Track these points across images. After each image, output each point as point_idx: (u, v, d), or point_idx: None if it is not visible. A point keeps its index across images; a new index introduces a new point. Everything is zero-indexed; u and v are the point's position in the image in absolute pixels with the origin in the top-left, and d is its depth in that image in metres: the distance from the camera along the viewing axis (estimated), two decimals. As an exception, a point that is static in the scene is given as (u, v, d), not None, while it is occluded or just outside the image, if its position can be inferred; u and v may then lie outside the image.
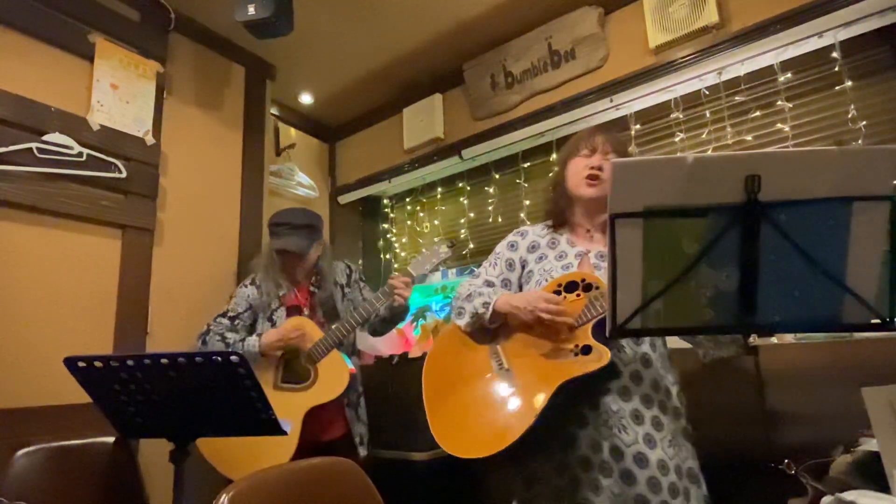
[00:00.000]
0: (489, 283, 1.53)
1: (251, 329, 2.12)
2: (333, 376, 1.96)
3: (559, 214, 1.55)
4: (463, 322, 1.46)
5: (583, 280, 1.36)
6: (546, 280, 1.44)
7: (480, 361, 1.43)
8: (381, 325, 2.18)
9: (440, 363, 1.52)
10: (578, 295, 1.35)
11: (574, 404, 1.32)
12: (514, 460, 1.39)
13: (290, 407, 1.92)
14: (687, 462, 1.29)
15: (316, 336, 2.00)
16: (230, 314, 2.10)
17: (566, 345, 1.32)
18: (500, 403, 1.33)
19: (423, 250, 2.08)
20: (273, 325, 2.10)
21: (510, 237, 1.60)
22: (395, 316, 2.13)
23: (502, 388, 1.36)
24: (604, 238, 1.47)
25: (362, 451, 2.05)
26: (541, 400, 1.26)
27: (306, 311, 2.14)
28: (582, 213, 1.52)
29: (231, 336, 2.03)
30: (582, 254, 1.46)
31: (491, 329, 1.46)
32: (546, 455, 1.33)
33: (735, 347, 1.31)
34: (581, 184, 1.46)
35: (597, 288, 1.33)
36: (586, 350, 1.28)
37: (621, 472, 1.25)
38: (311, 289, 2.18)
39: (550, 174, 1.66)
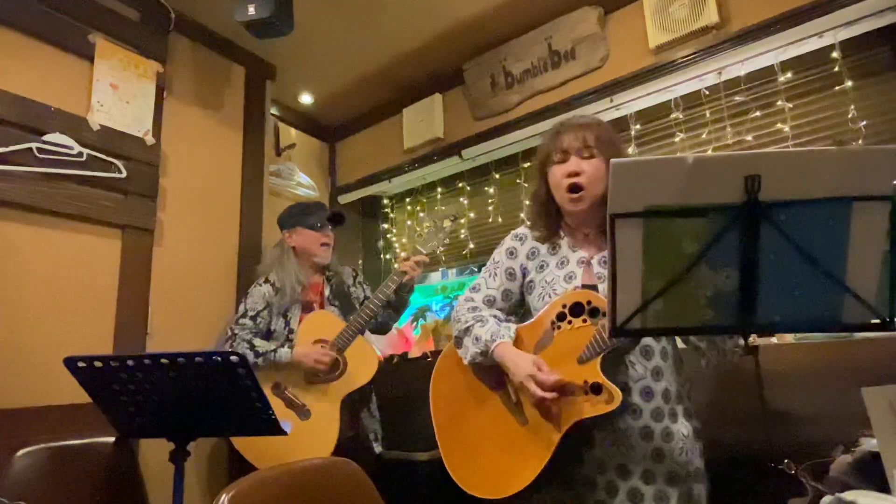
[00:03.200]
0: (489, 300, 1.46)
1: (269, 327, 2.13)
2: (362, 362, 1.99)
3: (549, 228, 1.44)
4: (464, 356, 1.40)
5: (588, 303, 1.27)
6: (550, 295, 1.36)
7: (489, 387, 1.40)
8: (385, 315, 2.22)
9: (447, 383, 1.47)
10: (585, 321, 1.26)
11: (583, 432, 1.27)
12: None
13: (325, 398, 1.95)
14: (694, 463, 1.28)
15: (337, 327, 2.02)
16: (250, 313, 2.11)
17: (575, 379, 1.23)
18: (514, 442, 1.31)
19: (429, 227, 2.10)
20: (287, 322, 2.11)
21: (508, 242, 1.50)
22: (400, 299, 2.16)
23: (514, 424, 1.33)
24: (604, 239, 1.35)
25: (377, 448, 2.07)
26: (551, 444, 1.24)
27: (317, 308, 2.16)
28: (574, 221, 1.42)
29: (260, 343, 2.03)
30: (584, 261, 1.37)
31: None
32: (553, 468, 1.28)
33: (737, 356, 1.24)
34: (563, 197, 1.35)
35: (603, 314, 1.22)
36: (596, 388, 1.20)
37: (629, 491, 1.23)
38: (323, 283, 2.23)
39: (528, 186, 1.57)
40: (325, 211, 2.27)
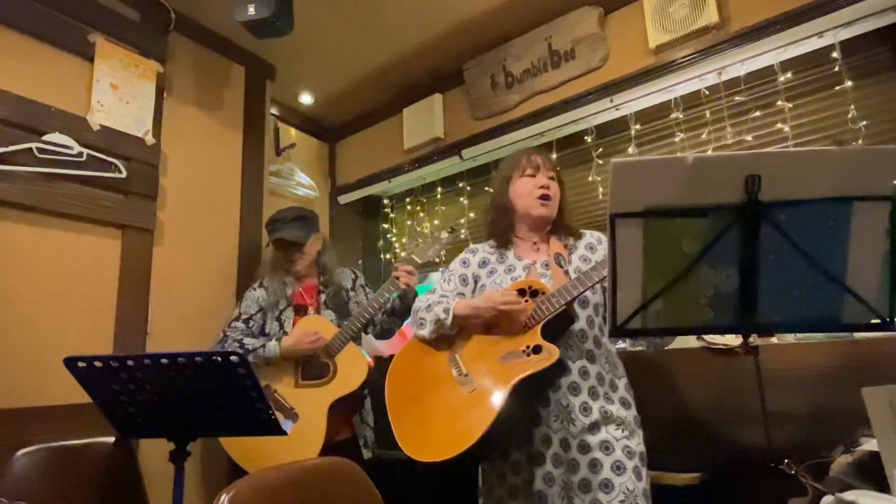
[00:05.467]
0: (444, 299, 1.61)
1: (263, 330, 2.14)
2: (352, 368, 2.00)
3: (502, 235, 1.64)
4: (425, 331, 1.54)
5: (530, 287, 1.46)
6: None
7: (440, 369, 1.51)
8: (389, 321, 2.21)
9: (401, 375, 1.59)
10: (527, 300, 1.45)
11: (530, 404, 1.41)
12: (476, 463, 1.50)
13: (313, 403, 1.96)
14: (640, 446, 1.39)
15: (330, 332, 2.02)
16: (243, 317, 2.14)
17: (518, 347, 1.41)
18: (461, 407, 1.41)
19: (427, 238, 2.12)
20: (281, 325, 2.12)
21: (462, 255, 1.70)
22: (406, 307, 2.16)
23: (462, 393, 1.43)
24: (549, 248, 1.59)
25: (367, 454, 2.06)
26: (499, 400, 1.34)
27: (312, 311, 2.16)
28: (528, 229, 1.63)
29: (250, 341, 2.04)
30: (529, 265, 1.56)
31: (449, 336, 1.54)
32: (502, 456, 1.43)
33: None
34: (534, 204, 1.57)
35: (543, 293, 1.43)
36: (537, 349, 1.38)
37: (568, 462, 1.37)
38: (320, 287, 2.21)
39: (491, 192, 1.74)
40: (282, 228, 2.17)
